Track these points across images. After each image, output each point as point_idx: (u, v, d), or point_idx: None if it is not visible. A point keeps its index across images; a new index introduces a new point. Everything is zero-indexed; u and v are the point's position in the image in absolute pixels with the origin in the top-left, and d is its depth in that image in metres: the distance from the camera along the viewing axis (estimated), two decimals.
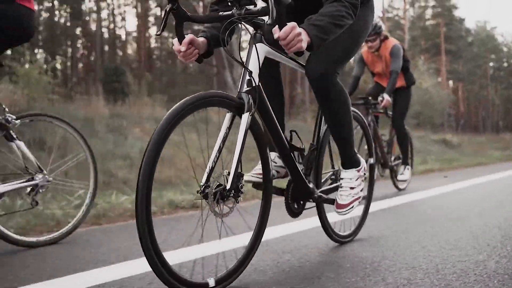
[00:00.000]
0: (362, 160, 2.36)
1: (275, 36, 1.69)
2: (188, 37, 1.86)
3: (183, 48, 1.82)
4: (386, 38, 4.82)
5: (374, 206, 4.07)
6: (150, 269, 1.54)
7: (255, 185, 2.08)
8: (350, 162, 2.26)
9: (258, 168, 2.06)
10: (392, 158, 5.17)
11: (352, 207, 2.22)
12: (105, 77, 18.88)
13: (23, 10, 2.43)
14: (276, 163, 2.24)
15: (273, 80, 2.27)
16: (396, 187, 5.12)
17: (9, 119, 2.54)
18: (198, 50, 1.88)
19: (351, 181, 2.24)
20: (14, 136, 2.55)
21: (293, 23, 1.70)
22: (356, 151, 2.34)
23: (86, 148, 2.87)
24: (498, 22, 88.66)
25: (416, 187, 5.49)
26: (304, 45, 1.71)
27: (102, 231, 3.00)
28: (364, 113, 4.78)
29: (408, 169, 5.09)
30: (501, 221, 3.08)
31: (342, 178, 2.27)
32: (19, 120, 2.60)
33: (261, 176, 1.99)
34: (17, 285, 1.89)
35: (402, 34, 32.49)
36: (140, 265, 2.01)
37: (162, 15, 1.82)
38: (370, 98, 4.83)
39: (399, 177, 5.03)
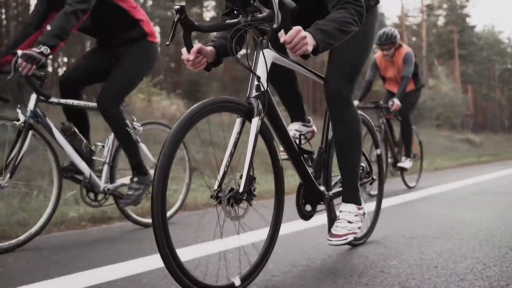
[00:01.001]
0: (363, 203, 2.18)
1: (281, 40, 1.67)
2: (196, 46, 1.82)
3: (191, 57, 1.80)
4: (400, 46, 4.98)
5: (384, 203, 4.30)
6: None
7: None
8: (351, 196, 2.10)
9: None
10: (403, 158, 5.20)
11: (347, 239, 2.00)
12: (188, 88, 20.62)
13: (154, 46, 2.95)
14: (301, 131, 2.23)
15: (288, 85, 2.23)
16: (406, 184, 5.17)
17: (136, 127, 3.07)
18: (206, 59, 1.85)
19: (350, 215, 2.06)
20: (139, 140, 3.01)
21: (298, 27, 1.67)
22: (359, 189, 2.16)
23: (183, 147, 3.33)
24: (504, 26, 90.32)
25: (427, 184, 5.51)
26: (309, 48, 1.68)
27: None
28: (376, 117, 4.88)
29: (409, 160, 5.14)
30: None
31: (341, 211, 2.08)
32: (142, 127, 3.12)
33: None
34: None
35: (420, 41, 33.99)
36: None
37: (171, 26, 1.80)
38: (381, 102, 4.97)
39: (401, 164, 5.03)
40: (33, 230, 2.60)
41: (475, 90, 39.86)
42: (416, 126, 5.67)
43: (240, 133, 1.74)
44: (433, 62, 34.09)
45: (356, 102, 4.86)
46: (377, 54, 5.19)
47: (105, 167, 2.93)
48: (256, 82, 1.79)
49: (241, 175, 1.67)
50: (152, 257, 2.18)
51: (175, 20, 1.76)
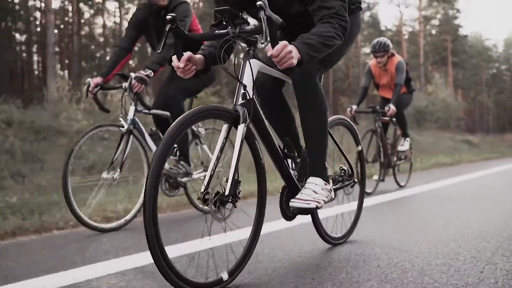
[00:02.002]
0: (331, 182, 2.12)
1: (268, 53, 1.69)
2: (186, 54, 1.82)
3: (181, 65, 1.81)
4: (392, 55, 5.21)
5: (376, 200, 4.36)
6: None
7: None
8: (318, 170, 2.05)
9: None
10: (395, 159, 5.39)
11: (309, 204, 1.94)
12: None
13: None
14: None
15: (278, 102, 2.23)
16: (397, 183, 5.35)
17: (200, 130, 3.66)
18: (195, 66, 1.86)
19: (316, 186, 2.01)
20: (202, 142, 3.67)
21: (285, 42, 1.68)
22: (326, 165, 2.10)
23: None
24: (490, 34, 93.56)
25: (416, 183, 5.77)
26: (294, 61, 1.71)
27: None
28: (373, 121, 5.08)
29: (407, 140, 5.42)
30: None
31: (307, 183, 2.03)
32: (204, 131, 3.70)
33: None
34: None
35: (417, 49, 35.31)
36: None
37: (162, 35, 1.80)
38: (377, 107, 5.17)
39: (399, 147, 5.33)
40: (129, 216, 3.15)
41: (464, 95, 41.07)
42: (421, 128, 6.06)
43: (226, 138, 1.75)
44: (428, 69, 35.16)
45: (354, 107, 5.04)
46: (371, 63, 5.38)
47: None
48: (242, 91, 1.80)
49: (227, 179, 1.69)
50: None
51: (167, 29, 1.78)
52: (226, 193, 1.67)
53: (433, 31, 39.12)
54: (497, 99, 45.85)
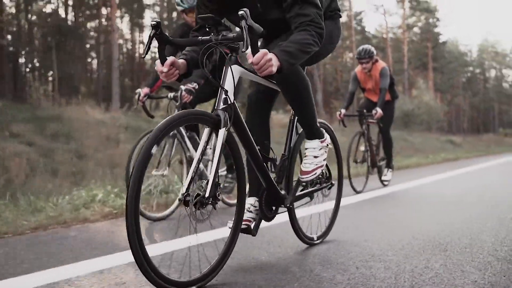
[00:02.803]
0: (326, 134, 2.25)
1: (249, 61, 1.66)
2: (170, 59, 1.80)
3: (165, 69, 1.80)
4: (376, 61, 5.35)
5: (361, 196, 4.51)
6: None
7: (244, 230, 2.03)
8: (313, 133, 2.17)
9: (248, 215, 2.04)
10: (385, 171, 5.60)
11: (315, 174, 2.12)
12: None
13: None
14: (256, 206, 2.13)
15: (262, 118, 2.24)
16: (382, 183, 5.53)
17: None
18: (178, 71, 1.84)
19: (315, 150, 2.16)
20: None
21: (265, 50, 1.67)
22: (318, 125, 2.21)
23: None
24: (467, 40, 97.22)
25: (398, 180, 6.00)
26: (274, 69, 1.68)
27: None
28: (360, 123, 5.29)
29: (390, 171, 5.58)
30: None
31: (306, 148, 2.16)
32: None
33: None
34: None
35: (401, 55, 36.87)
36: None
37: (147, 40, 1.78)
38: (364, 110, 5.33)
39: (383, 177, 5.50)
40: (173, 207, 3.44)
41: (442, 98, 42.59)
42: (409, 130, 6.43)
43: (207, 142, 1.73)
44: (410, 74, 36.56)
45: (343, 111, 5.18)
46: (357, 69, 5.53)
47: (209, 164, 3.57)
48: (223, 96, 1.77)
49: (207, 181, 1.66)
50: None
51: (151, 34, 1.75)
52: (207, 195, 1.63)
53: (415, 38, 40.43)
54: (472, 102, 48.06)
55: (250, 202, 2.13)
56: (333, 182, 2.50)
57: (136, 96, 3.60)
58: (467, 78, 49.35)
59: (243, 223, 2.01)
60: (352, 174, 5.05)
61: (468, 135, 35.23)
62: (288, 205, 2.19)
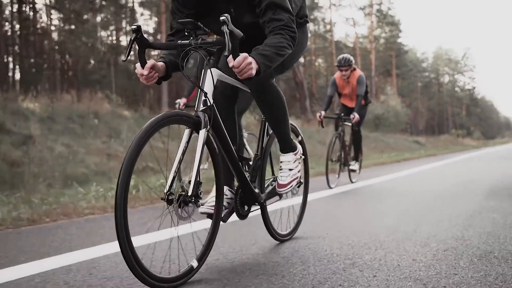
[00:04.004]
0: (299, 146, 2.26)
1: (230, 64, 1.64)
2: (150, 62, 1.75)
3: (145, 72, 1.75)
4: (354, 69, 5.62)
5: (331, 191, 4.65)
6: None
7: (210, 215, 1.97)
8: (287, 147, 2.18)
9: (212, 200, 1.97)
10: (352, 162, 5.84)
11: (292, 185, 2.15)
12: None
13: None
14: (227, 195, 2.10)
15: (232, 110, 2.23)
16: (350, 180, 5.78)
17: (245, 134, 3.95)
18: (158, 74, 1.81)
19: (290, 163, 2.18)
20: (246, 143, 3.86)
21: (245, 54, 1.65)
22: (291, 138, 2.22)
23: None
24: (425, 47, 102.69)
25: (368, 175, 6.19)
26: (253, 72, 1.67)
27: None
28: (336, 126, 5.54)
29: (357, 163, 5.85)
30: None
31: (281, 162, 2.17)
32: (247, 134, 4.11)
33: (213, 208, 1.93)
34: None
35: (369, 64, 39.08)
36: None
37: (127, 43, 2.03)
38: (342, 114, 5.60)
39: (351, 167, 5.74)
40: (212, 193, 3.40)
41: (402, 102, 45.44)
42: (381, 132, 6.88)
43: (188, 142, 1.68)
44: (375, 81, 38.39)
45: (323, 113, 5.34)
46: (336, 75, 5.77)
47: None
48: (203, 98, 1.74)
49: (190, 181, 1.64)
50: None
51: (132, 38, 1.69)
52: (189, 193, 1.61)
53: (380, 48, 42.48)
54: (428, 105, 50.75)
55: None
56: (301, 180, 2.57)
57: (177, 106, 4.09)
58: (424, 83, 51.78)
59: (209, 207, 1.98)
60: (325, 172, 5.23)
61: (428, 135, 37.13)
62: (261, 202, 2.16)
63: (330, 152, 5.25)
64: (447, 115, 55.16)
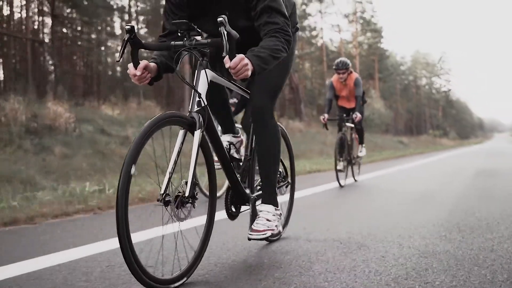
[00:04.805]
0: (280, 204, 2.09)
1: (227, 65, 1.60)
2: (143, 63, 1.69)
3: (138, 73, 1.70)
4: (351, 72, 5.73)
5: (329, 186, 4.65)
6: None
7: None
8: (270, 198, 2.03)
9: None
10: (359, 147, 5.99)
11: (265, 234, 1.93)
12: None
13: None
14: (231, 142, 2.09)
15: (220, 102, 2.18)
16: (354, 179, 5.90)
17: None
18: (150, 74, 1.76)
19: (269, 214, 1.98)
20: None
21: (242, 55, 1.61)
22: (277, 193, 2.06)
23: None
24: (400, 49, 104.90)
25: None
26: (249, 73, 1.64)
27: None
28: (339, 127, 5.68)
29: (364, 147, 6.07)
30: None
31: (261, 211, 2.00)
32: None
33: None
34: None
35: (354, 68, 39.25)
36: None
37: (121, 44, 1.67)
38: (344, 115, 5.71)
39: (359, 154, 5.97)
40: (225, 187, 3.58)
41: (384, 104, 46.72)
42: (368, 132, 7.09)
43: (182, 143, 1.63)
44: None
45: (326, 116, 5.45)
46: (333, 78, 5.85)
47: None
48: (197, 98, 1.68)
49: (186, 181, 1.60)
50: None
51: (125, 39, 1.64)
52: (186, 194, 1.58)
53: (364, 53, 43.71)
54: (407, 107, 52.05)
55: (226, 139, 2.17)
56: (289, 181, 2.42)
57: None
58: (403, 85, 52.71)
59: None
60: (329, 170, 5.21)
61: (408, 136, 38.09)
62: (251, 203, 2.09)
63: (337, 152, 5.38)
64: (425, 117, 56.34)
